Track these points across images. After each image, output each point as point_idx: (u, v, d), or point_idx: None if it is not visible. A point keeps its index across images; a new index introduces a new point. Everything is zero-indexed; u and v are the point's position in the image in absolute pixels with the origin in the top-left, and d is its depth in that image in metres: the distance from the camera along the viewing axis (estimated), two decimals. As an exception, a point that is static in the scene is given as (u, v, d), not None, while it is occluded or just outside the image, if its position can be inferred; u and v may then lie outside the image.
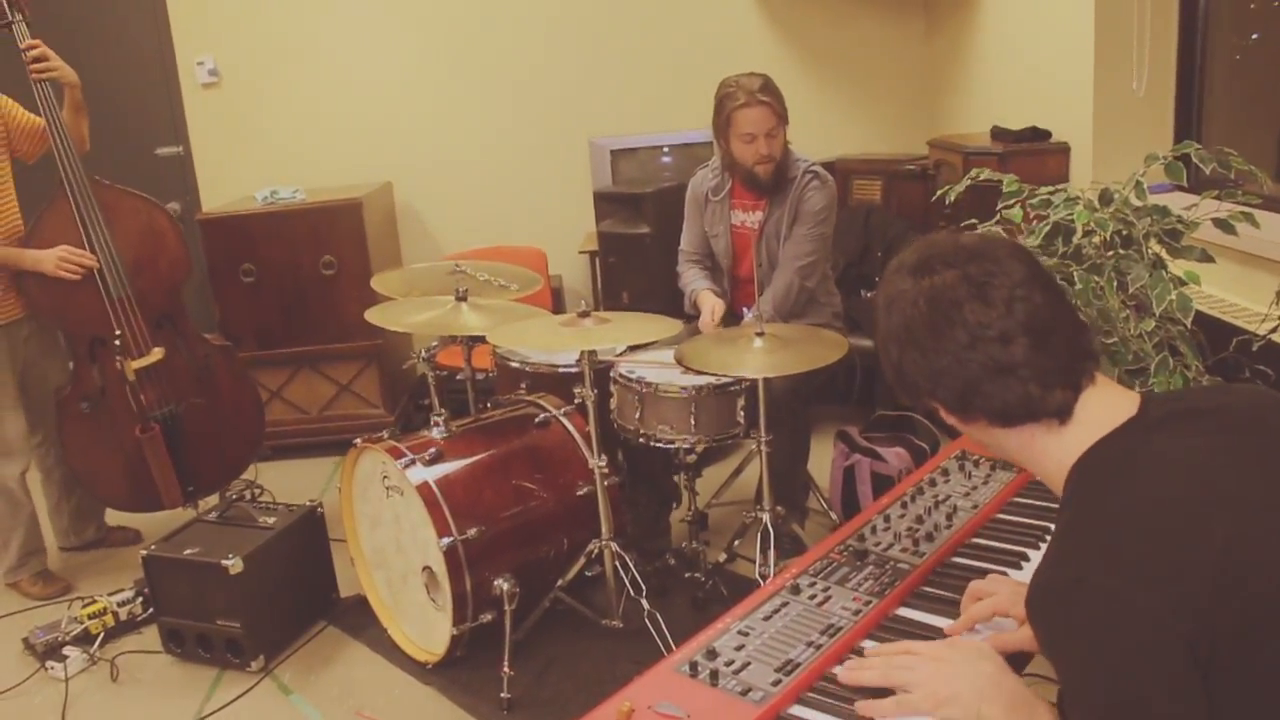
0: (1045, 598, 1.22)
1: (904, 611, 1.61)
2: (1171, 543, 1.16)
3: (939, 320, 1.29)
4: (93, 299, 3.56)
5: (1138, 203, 2.71)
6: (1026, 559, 1.74)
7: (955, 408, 1.34)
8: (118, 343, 3.58)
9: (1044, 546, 1.77)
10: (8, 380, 3.62)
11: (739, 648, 1.48)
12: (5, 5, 3.45)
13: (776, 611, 1.58)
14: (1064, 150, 3.84)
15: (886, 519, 1.85)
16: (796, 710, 1.38)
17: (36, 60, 3.46)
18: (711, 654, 1.47)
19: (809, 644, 1.49)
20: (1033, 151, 3.88)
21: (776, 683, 1.40)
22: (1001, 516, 1.89)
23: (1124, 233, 2.71)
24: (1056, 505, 1.87)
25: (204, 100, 5.35)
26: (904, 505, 1.90)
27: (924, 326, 1.30)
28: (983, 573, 1.67)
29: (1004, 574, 1.65)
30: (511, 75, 5.37)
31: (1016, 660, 1.51)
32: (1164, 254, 2.69)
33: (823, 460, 3.75)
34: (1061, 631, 1.20)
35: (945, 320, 1.29)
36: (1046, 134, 3.92)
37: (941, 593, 1.65)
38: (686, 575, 3.32)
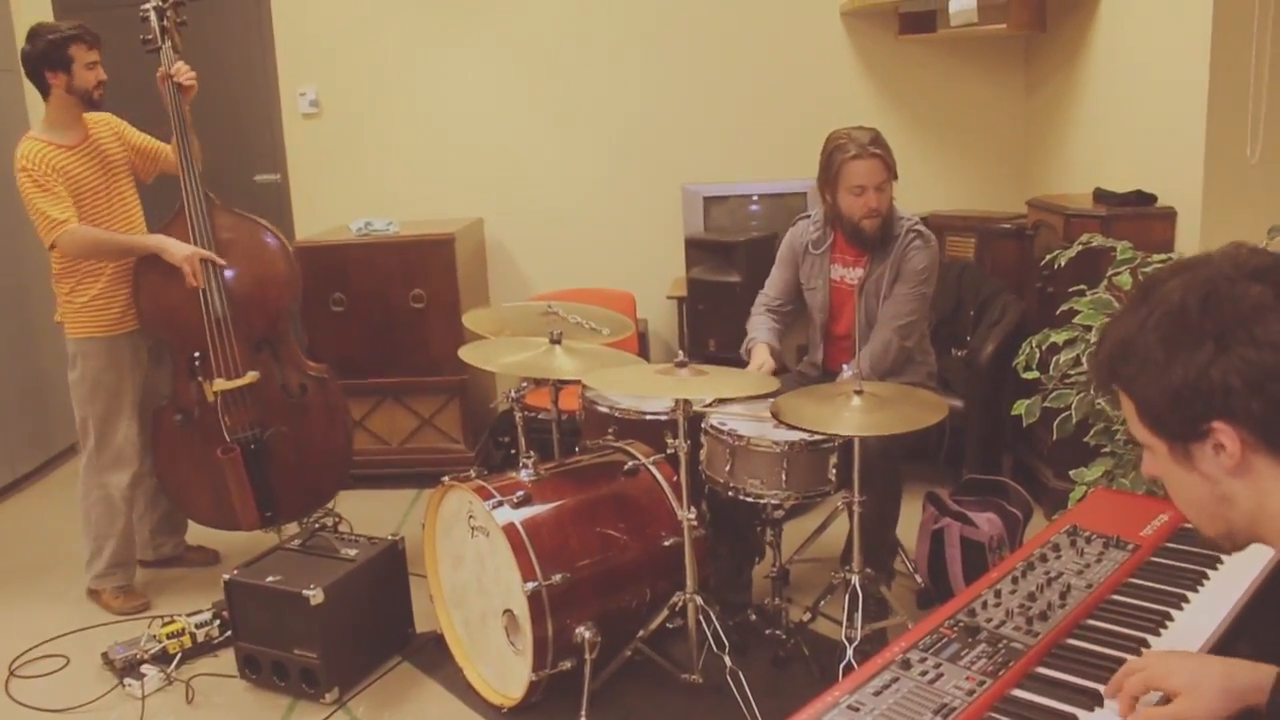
0: None
1: (1019, 693, 1.54)
2: None
3: (1262, 314, 1.26)
4: (194, 316, 3.62)
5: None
6: (1146, 644, 1.66)
7: (1232, 407, 1.27)
8: (197, 363, 3.63)
9: (1164, 633, 1.69)
10: (128, 388, 3.71)
11: (850, 724, 1.43)
12: (158, 30, 3.57)
13: (887, 687, 1.51)
14: (1170, 215, 3.72)
15: (997, 594, 1.78)
16: (912, 793, 1.32)
17: (189, 88, 3.61)
18: (822, 729, 1.42)
19: (923, 724, 1.43)
20: (1137, 216, 3.77)
21: (891, 763, 1.35)
22: (1116, 598, 1.81)
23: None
24: (1174, 589, 1.82)
25: (304, 130, 5.47)
26: (1014, 581, 1.83)
27: (1245, 315, 1.27)
28: (1101, 656, 1.61)
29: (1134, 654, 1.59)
30: (606, 119, 5.40)
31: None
32: None
33: (908, 522, 3.66)
34: None
35: (1264, 314, 1.26)
36: (1152, 198, 3.81)
37: (1058, 675, 1.57)
38: (767, 632, 3.26)
